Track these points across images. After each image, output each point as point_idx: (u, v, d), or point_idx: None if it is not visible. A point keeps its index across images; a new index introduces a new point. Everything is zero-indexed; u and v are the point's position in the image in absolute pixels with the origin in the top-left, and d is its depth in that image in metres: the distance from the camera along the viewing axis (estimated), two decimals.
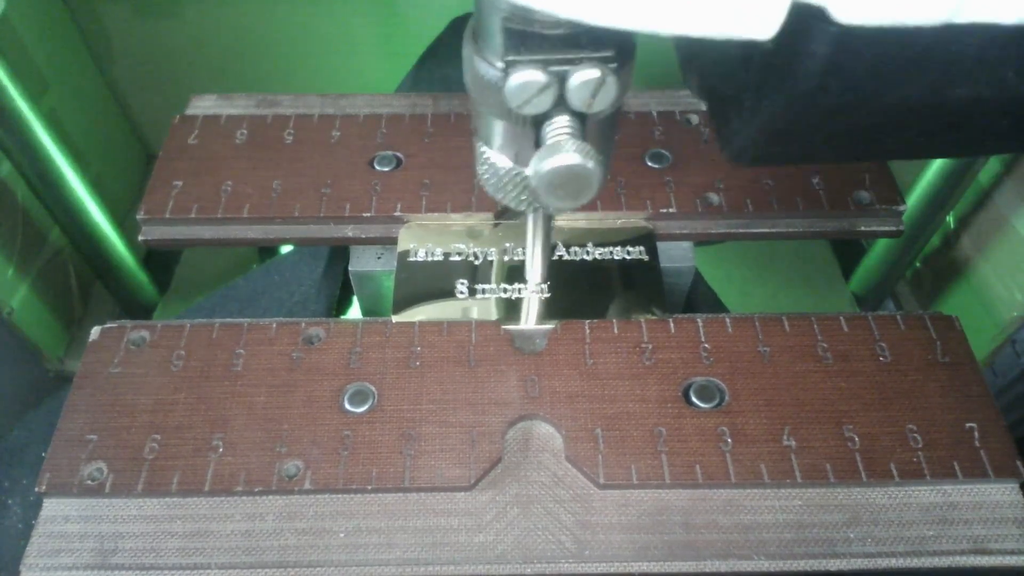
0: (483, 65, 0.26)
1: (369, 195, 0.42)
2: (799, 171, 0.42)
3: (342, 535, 0.32)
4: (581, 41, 0.24)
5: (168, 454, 0.33)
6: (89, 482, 0.32)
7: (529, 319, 0.38)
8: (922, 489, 0.33)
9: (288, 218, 0.41)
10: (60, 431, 0.34)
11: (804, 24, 0.18)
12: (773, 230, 0.42)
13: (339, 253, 0.48)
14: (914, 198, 0.70)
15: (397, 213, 0.41)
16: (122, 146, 0.91)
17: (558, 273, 0.39)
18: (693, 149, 0.44)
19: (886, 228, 0.42)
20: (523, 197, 0.30)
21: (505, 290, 0.39)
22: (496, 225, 0.41)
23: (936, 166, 0.69)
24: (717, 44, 0.19)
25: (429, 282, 0.39)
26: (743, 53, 0.22)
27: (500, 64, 0.25)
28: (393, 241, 0.41)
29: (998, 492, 0.33)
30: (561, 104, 0.25)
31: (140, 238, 0.42)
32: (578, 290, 0.39)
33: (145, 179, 0.80)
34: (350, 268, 0.42)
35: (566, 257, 0.40)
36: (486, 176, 0.31)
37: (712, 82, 0.25)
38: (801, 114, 0.22)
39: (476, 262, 0.40)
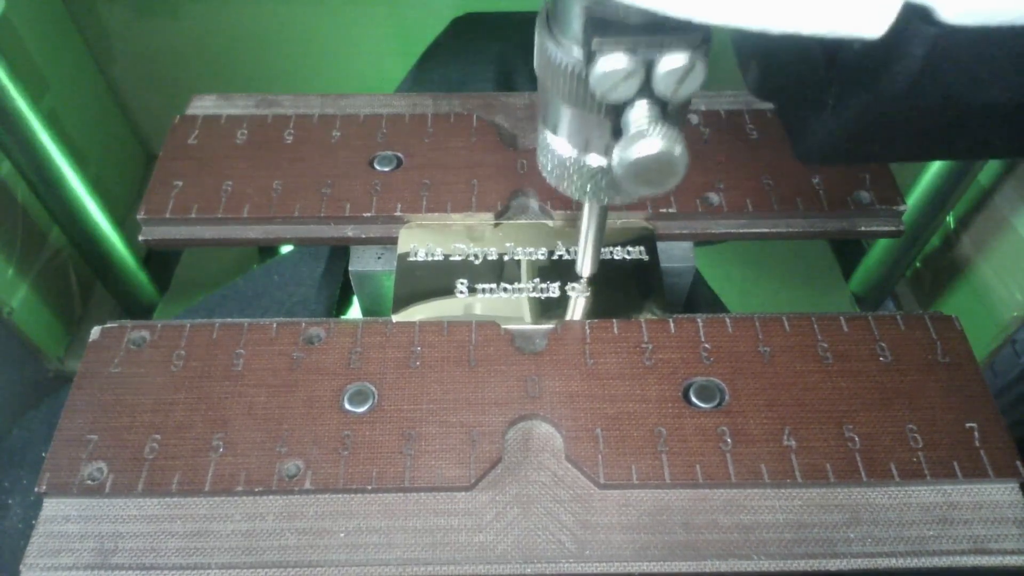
0: (559, 51, 0.25)
1: (369, 195, 0.42)
2: (799, 171, 0.42)
3: (342, 535, 0.32)
4: (668, 26, 0.23)
5: (168, 454, 0.33)
6: (89, 482, 0.32)
7: (574, 315, 0.38)
8: (922, 489, 0.33)
9: (288, 218, 0.41)
10: (60, 431, 0.33)
11: (903, 23, 0.18)
12: (773, 230, 0.42)
13: (339, 253, 0.48)
14: (914, 198, 0.70)
15: (397, 213, 0.41)
16: (122, 146, 0.91)
17: (558, 273, 0.39)
18: (693, 149, 0.44)
19: (886, 228, 0.42)
20: (587, 187, 0.30)
21: (506, 289, 0.39)
22: (496, 225, 0.41)
23: (936, 166, 0.69)
24: (790, 42, 0.19)
25: (429, 282, 0.39)
26: (825, 52, 0.22)
27: (581, 50, 0.24)
28: (393, 241, 0.41)
29: (998, 492, 0.33)
30: (644, 90, 0.24)
31: (140, 238, 0.42)
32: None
33: (145, 179, 0.80)
34: (350, 268, 0.42)
35: (566, 257, 0.40)
36: (549, 166, 0.30)
37: (781, 80, 0.25)
38: (887, 114, 0.21)
39: (476, 262, 0.40)
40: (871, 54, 0.20)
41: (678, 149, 0.24)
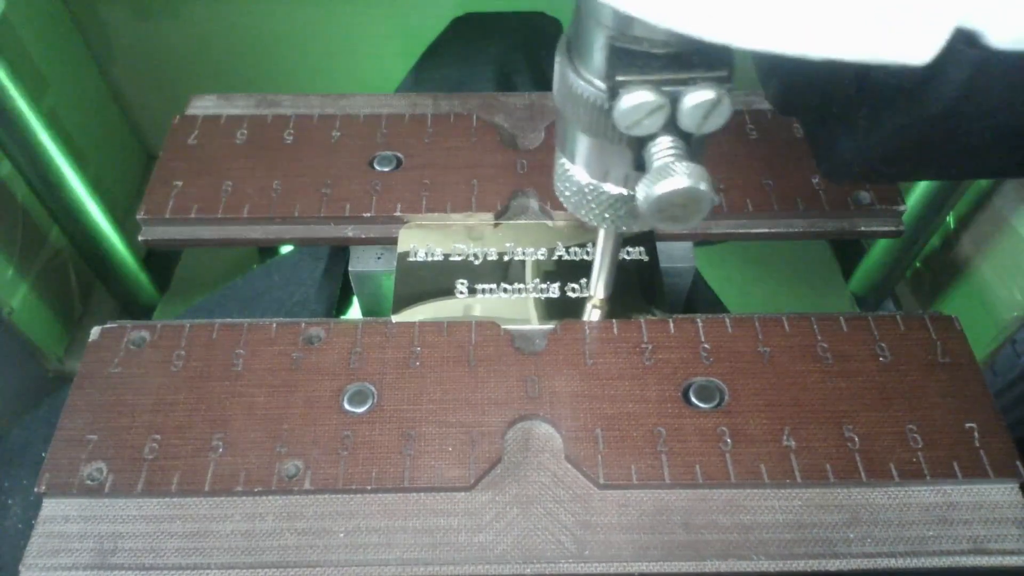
0: (581, 84, 0.25)
1: (369, 195, 0.42)
2: (799, 171, 0.42)
3: (342, 535, 0.32)
4: (693, 61, 0.23)
5: (168, 454, 0.33)
6: (89, 482, 0.32)
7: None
8: (922, 489, 0.33)
9: (288, 218, 0.41)
10: (60, 431, 0.33)
11: (946, 47, 0.18)
12: (773, 230, 0.42)
13: (339, 253, 0.48)
14: (914, 198, 0.70)
15: (397, 213, 0.41)
16: (122, 146, 0.90)
17: (558, 273, 0.39)
18: None
19: (886, 228, 0.42)
20: (606, 215, 0.29)
21: (506, 290, 0.39)
22: (496, 225, 0.41)
23: None
24: (818, 62, 0.18)
25: (429, 282, 0.39)
26: (856, 72, 0.21)
27: (604, 84, 0.24)
28: (393, 241, 0.41)
29: (998, 492, 0.33)
30: (668, 125, 0.23)
31: (140, 238, 0.42)
32: (578, 290, 0.39)
33: (145, 179, 0.80)
34: (350, 268, 0.42)
35: (566, 257, 0.40)
36: (567, 193, 0.30)
37: (806, 97, 0.25)
38: (923, 135, 0.21)
39: (476, 262, 0.40)
40: (908, 75, 0.19)
41: (703, 185, 0.23)
